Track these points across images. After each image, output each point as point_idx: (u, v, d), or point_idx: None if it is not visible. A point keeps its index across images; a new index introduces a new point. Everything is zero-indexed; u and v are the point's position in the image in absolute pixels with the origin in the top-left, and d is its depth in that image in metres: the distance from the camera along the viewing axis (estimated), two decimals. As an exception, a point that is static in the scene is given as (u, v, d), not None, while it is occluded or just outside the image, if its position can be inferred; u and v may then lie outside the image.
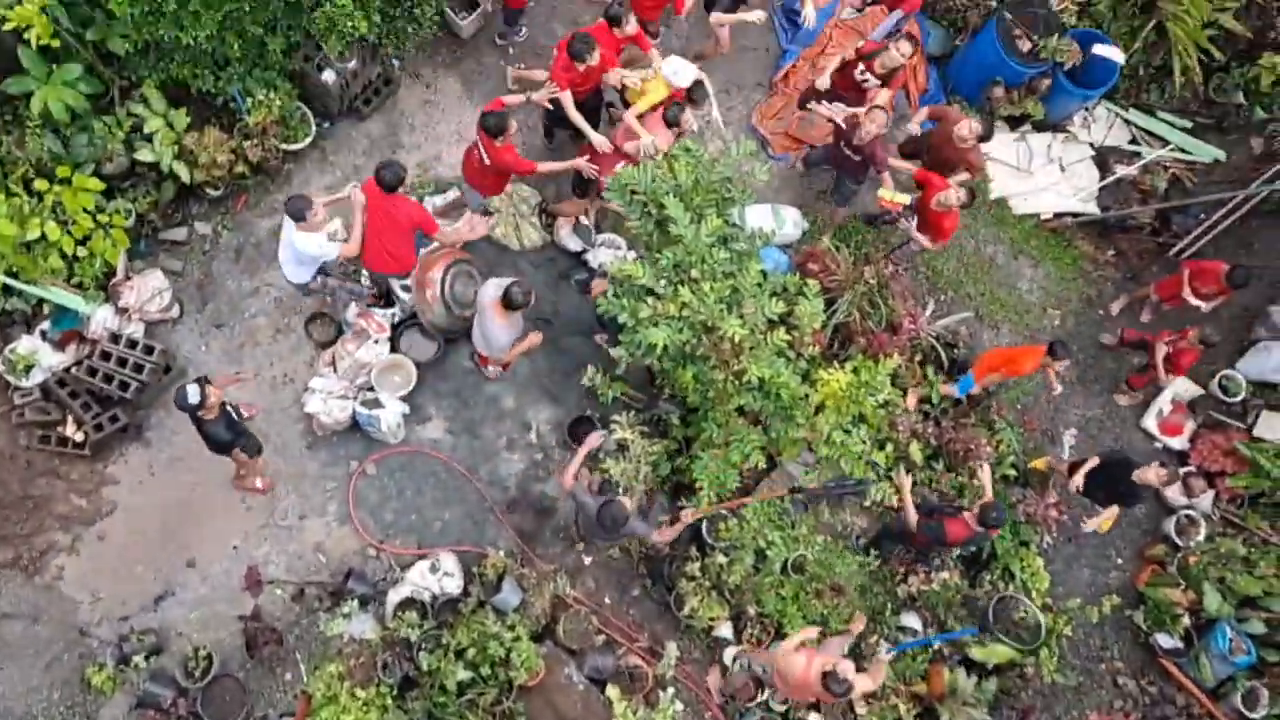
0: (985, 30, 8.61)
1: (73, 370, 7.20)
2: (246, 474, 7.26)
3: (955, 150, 7.51)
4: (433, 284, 7.32)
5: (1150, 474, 7.21)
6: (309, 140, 8.00)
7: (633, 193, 6.67)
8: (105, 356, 7.16)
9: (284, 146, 7.81)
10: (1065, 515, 7.86)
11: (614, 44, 7.37)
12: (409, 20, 7.51)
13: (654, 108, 7.40)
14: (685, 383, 6.59)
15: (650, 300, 6.28)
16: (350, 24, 6.79)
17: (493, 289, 6.71)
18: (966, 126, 7.37)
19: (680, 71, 7.43)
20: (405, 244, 6.98)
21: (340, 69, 7.71)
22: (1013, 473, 7.86)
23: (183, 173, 7.40)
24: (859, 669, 6.24)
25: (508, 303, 6.56)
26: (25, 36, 6.32)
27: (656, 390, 7.52)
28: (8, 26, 6.19)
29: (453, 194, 8.06)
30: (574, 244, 8.12)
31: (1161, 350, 8.01)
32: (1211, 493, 8.35)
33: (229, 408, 6.47)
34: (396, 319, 7.71)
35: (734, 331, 6.03)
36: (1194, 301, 8.10)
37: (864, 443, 6.46)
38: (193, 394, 6.00)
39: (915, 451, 7.58)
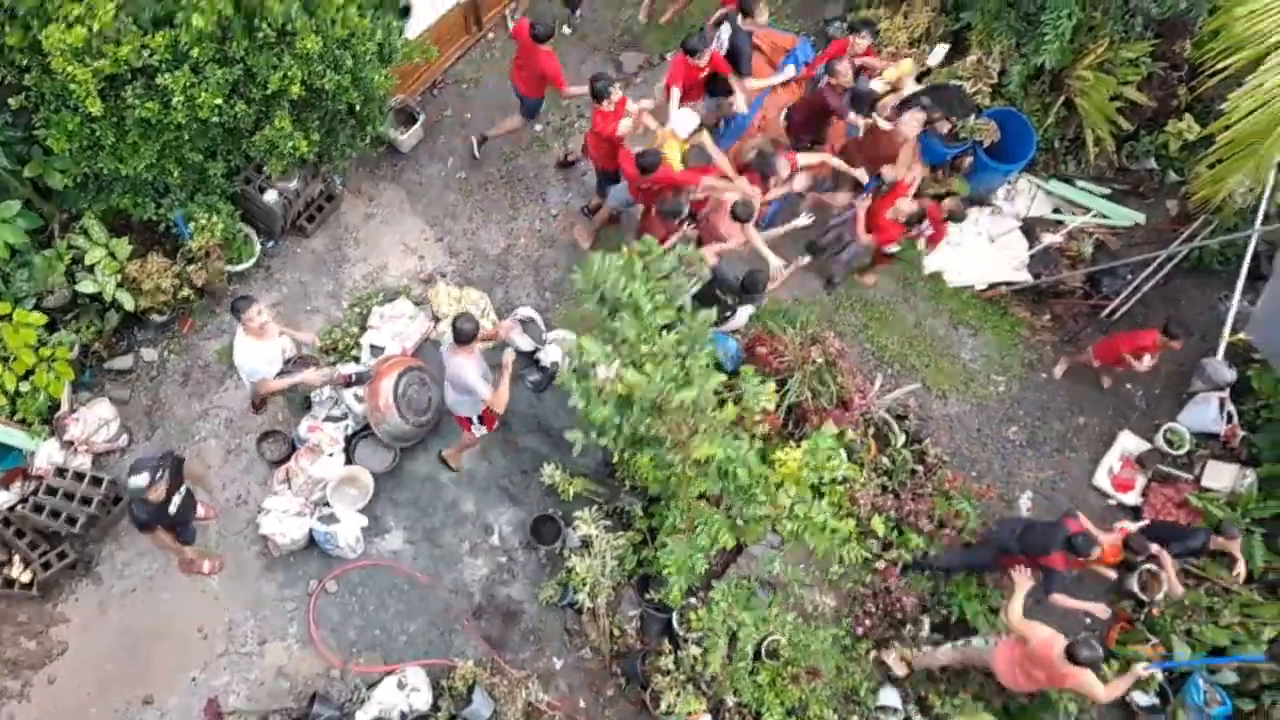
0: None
1: (18, 509, 7.02)
2: (193, 560, 7.13)
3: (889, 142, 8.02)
4: (385, 392, 7.31)
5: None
6: (253, 260, 8.05)
7: (596, 279, 6.75)
8: (51, 492, 7.00)
9: (228, 268, 7.85)
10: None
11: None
12: (349, 140, 7.68)
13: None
14: (644, 470, 6.59)
15: (602, 377, 6.30)
16: (290, 145, 6.92)
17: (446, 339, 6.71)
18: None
19: (684, 121, 7.70)
20: None
21: (282, 189, 7.82)
22: (972, 540, 7.91)
23: (127, 301, 7.39)
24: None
25: (460, 337, 6.51)
26: (-38, 176, 6.35)
27: (618, 483, 7.51)
28: (-56, 166, 6.23)
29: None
30: (525, 343, 8.16)
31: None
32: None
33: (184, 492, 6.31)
34: (349, 431, 7.67)
35: (684, 399, 6.04)
36: (1137, 365, 8.33)
37: (825, 513, 6.49)
38: (137, 482, 5.77)
39: (878, 524, 7.58)
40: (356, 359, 7.92)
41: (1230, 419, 8.85)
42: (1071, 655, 6.32)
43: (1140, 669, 6.93)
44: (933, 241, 8.33)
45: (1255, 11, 7.01)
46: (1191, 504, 8.53)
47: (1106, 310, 9.23)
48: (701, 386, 6.34)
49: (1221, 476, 8.74)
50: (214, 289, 7.80)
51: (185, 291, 7.58)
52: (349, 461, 7.56)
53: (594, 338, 6.47)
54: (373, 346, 7.87)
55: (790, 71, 8.87)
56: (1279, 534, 8.47)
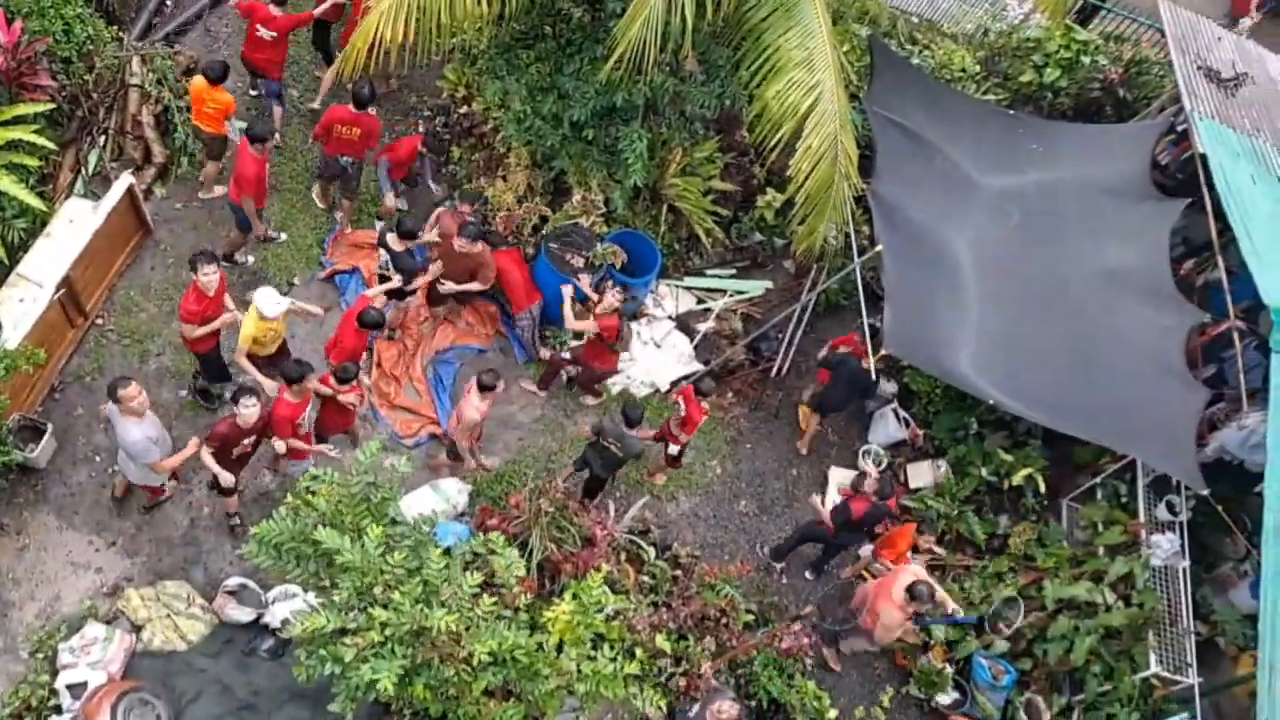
0: (539, 263, 9.48)
1: None
2: None
3: (462, 259, 8.70)
4: (104, 732, 6.40)
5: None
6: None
7: (277, 547, 6.34)
8: None
9: None
10: (813, 637, 8.29)
11: None
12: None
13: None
14: (421, 695, 6.21)
15: (349, 640, 5.92)
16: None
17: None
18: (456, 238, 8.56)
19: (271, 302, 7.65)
20: None
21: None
22: (749, 618, 8.15)
23: None
24: None
25: (114, 397, 6.69)
26: None
27: (398, 718, 6.99)
28: None
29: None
30: (244, 615, 7.53)
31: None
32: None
33: None
34: (77, 794, 6.60)
35: (444, 623, 5.83)
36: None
37: (613, 660, 6.44)
38: None
39: (663, 642, 7.62)
40: (58, 708, 6.89)
41: (908, 423, 9.91)
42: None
43: None
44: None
45: (780, 90, 8.16)
46: (909, 506, 9.39)
47: (774, 370, 10.10)
48: (460, 602, 6.14)
49: (922, 474, 9.72)
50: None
51: None
52: (86, 828, 6.48)
53: (315, 603, 6.09)
54: (70, 687, 6.88)
55: None
56: (984, 504, 9.52)
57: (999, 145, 10.10)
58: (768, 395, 10.05)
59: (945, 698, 8.46)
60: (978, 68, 11.71)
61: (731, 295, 10.46)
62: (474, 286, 9.04)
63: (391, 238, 8.74)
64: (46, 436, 7.82)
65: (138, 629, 7.35)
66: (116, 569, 7.71)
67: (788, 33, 8.17)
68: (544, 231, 9.66)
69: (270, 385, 7.64)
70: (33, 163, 8.34)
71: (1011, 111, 10.99)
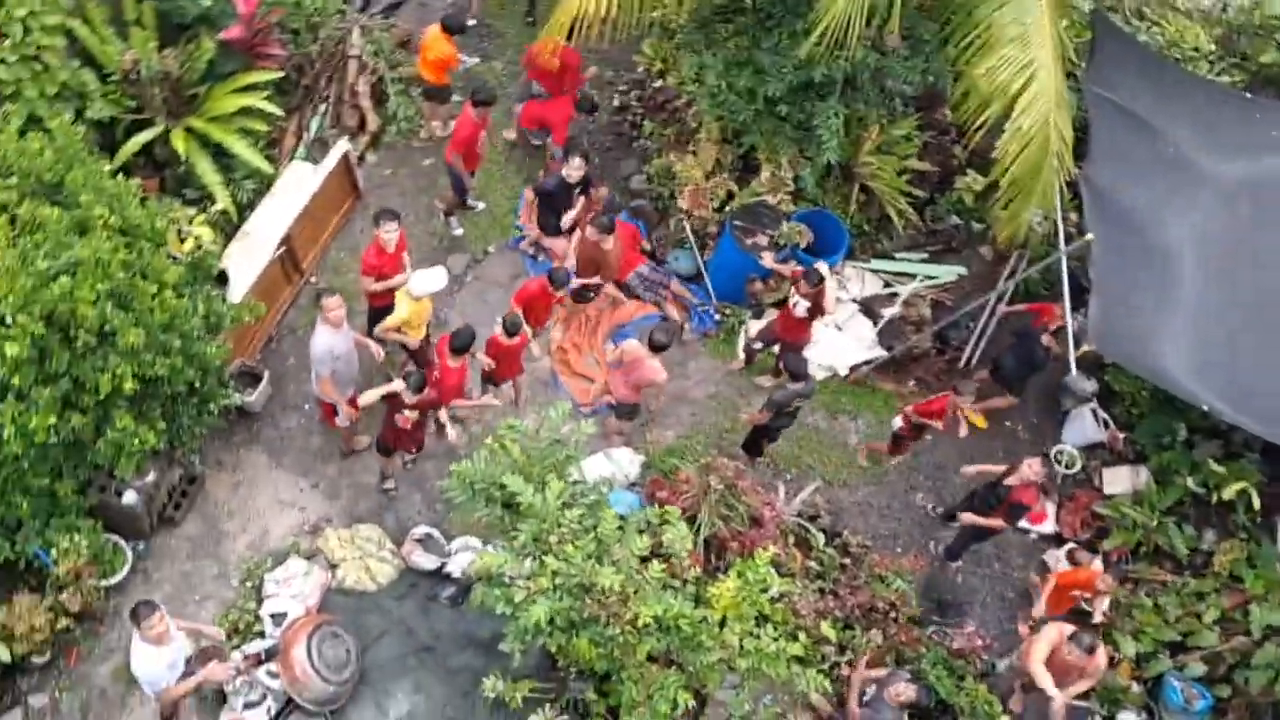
0: (723, 239, 9.47)
1: None
2: None
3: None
4: (299, 660, 6.92)
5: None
6: (127, 567, 7.65)
7: (472, 485, 6.70)
8: None
9: (103, 584, 7.42)
10: (989, 639, 7.98)
11: None
12: (194, 419, 7.50)
13: None
14: (585, 652, 6.40)
15: (522, 582, 6.19)
16: (137, 442, 6.71)
17: None
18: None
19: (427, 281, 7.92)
20: None
21: (139, 487, 7.54)
22: (917, 612, 7.93)
23: (2, 653, 6.86)
24: None
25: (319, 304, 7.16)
26: None
27: (563, 673, 7.24)
28: None
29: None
30: (429, 562, 7.96)
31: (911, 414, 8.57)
32: (1098, 558, 8.69)
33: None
34: (273, 711, 7.19)
35: (611, 581, 5.98)
36: (938, 425, 8.56)
37: (776, 640, 6.44)
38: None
39: (827, 629, 7.56)
40: (261, 634, 7.52)
41: (1107, 425, 9.31)
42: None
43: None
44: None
45: (991, 67, 7.78)
46: (1102, 514, 8.84)
47: (962, 360, 9.70)
48: (627, 551, 6.30)
49: (1119, 480, 9.12)
50: (92, 610, 7.33)
51: (63, 622, 7.10)
52: (281, 744, 7.07)
53: (496, 549, 6.39)
54: (273, 616, 7.50)
55: None
56: (1188, 517, 8.85)
57: (1233, 131, 9.24)
58: (962, 384, 9.65)
59: (1130, 717, 7.96)
60: (1213, 46, 10.77)
61: (921, 280, 10.09)
62: (595, 281, 9.04)
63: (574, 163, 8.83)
64: (263, 383, 8.50)
65: (333, 567, 7.91)
66: (318, 510, 8.31)
67: (1002, 7, 7.78)
68: (729, 208, 9.63)
69: (397, 385, 7.65)
70: (262, 128, 9.02)
71: (1248, 95, 10.05)
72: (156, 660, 6.30)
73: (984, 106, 7.91)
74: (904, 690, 6.84)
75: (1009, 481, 7.84)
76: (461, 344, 7.66)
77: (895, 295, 9.97)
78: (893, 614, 7.74)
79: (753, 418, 8.52)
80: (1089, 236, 8.01)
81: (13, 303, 6.00)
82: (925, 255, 10.29)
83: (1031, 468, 7.68)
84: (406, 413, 7.54)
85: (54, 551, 7.03)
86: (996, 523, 7.94)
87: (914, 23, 8.80)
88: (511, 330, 7.91)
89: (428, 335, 8.55)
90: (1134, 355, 8.16)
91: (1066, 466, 9.12)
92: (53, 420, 6.23)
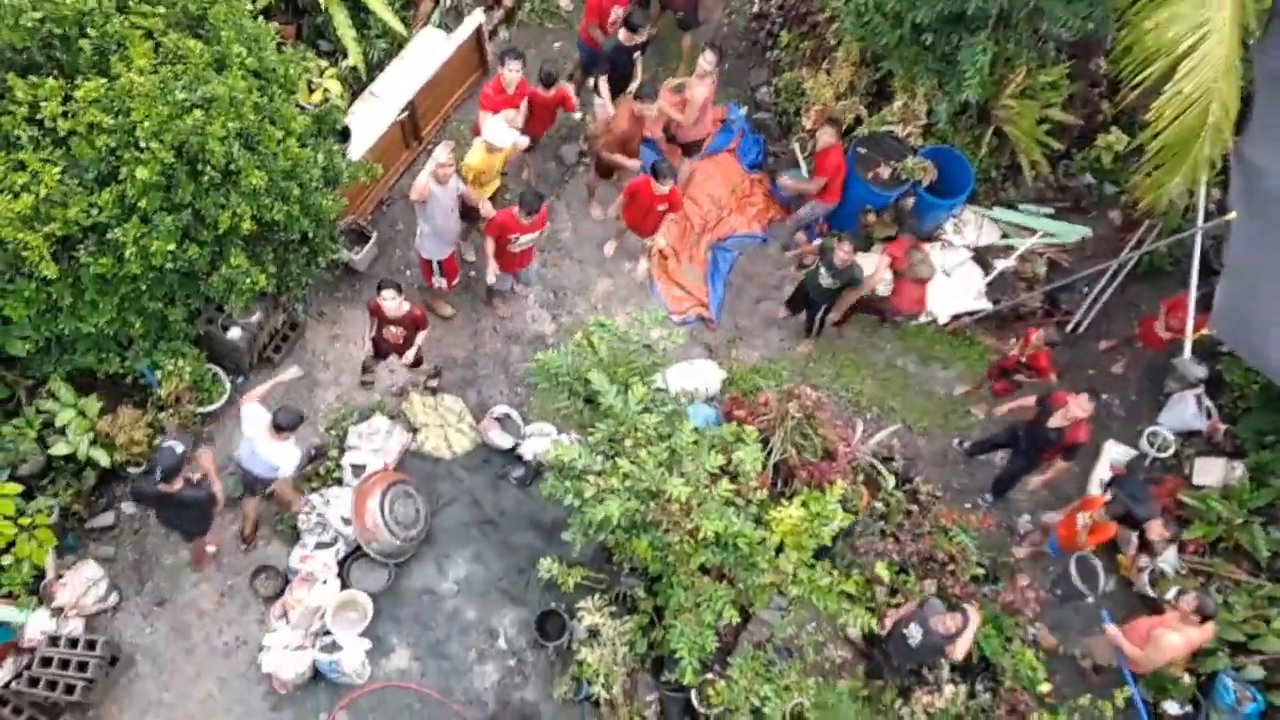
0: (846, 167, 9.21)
1: (12, 685, 6.84)
2: (199, 547, 7.48)
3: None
4: (372, 511, 7.26)
5: (1154, 531, 7.69)
6: (225, 398, 8.04)
7: (555, 375, 6.84)
8: (45, 662, 6.85)
9: (200, 410, 7.83)
10: (1042, 593, 7.90)
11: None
12: (303, 268, 7.75)
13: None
14: (642, 553, 6.57)
15: (592, 478, 6.34)
16: (248, 281, 6.97)
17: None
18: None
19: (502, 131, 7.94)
20: None
21: (245, 324, 7.86)
22: (980, 571, 7.87)
23: (102, 458, 7.33)
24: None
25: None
26: (-78, 358, 6.32)
27: (616, 567, 7.45)
28: (-97, 350, 6.20)
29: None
30: (504, 441, 8.18)
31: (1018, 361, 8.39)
32: (1174, 547, 8.46)
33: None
34: (341, 555, 7.58)
35: (678, 492, 6.09)
36: (1166, 335, 8.53)
37: (830, 574, 6.53)
38: (175, 451, 6.41)
39: (882, 570, 7.58)
40: (339, 481, 7.87)
41: (1210, 414, 8.94)
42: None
43: None
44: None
45: (1162, 24, 7.29)
46: (1187, 502, 8.57)
47: (1070, 325, 9.38)
48: (698, 465, 6.38)
49: (1211, 472, 8.79)
50: (188, 432, 7.76)
51: (159, 440, 7.54)
52: (344, 586, 7.46)
53: (570, 440, 6.53)
54: (353, 466, 7.83)
55: None
56: (1277, 520, 8.51)
57: None
58: (1056, 351, 9.36)
59: (1175, 709, 7.85)
60: None
61: (1042, 236, 9.71)
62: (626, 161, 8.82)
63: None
64: (370, 243, 8.70)
65: (414, 430, 8.19)
66: (406, 373, 8.56)
67: (1184, -41, 7.23)
68: (856, 133, 9.34)
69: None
70: (402, -13, 9.02)
71: None
72: (282, 454, 6.85)
73: (1145, 63, 7.43)
74: (950, 620, 6.79)
75: (1056, 423, 7.69)
76: (531, 207, 7.69)
77: (1012, 248, 9.62)
78: (950, 566, 7.71)
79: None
80: (1230, 215, 7.57)
81: (148, 128, 6.20)
82: (1051, 211, 9.86)
83: (1079, 404, 7.52)
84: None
85: (159, 372, 7.42)
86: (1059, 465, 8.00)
87: (1084, -37, 8.26)
88: (661, 174, 8.01)
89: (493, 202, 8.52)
90: (1253, 346, 7.76)
91: (1159, 449, 8.83)
92: (172, 247, 6.49)
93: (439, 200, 7.73)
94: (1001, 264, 9.49)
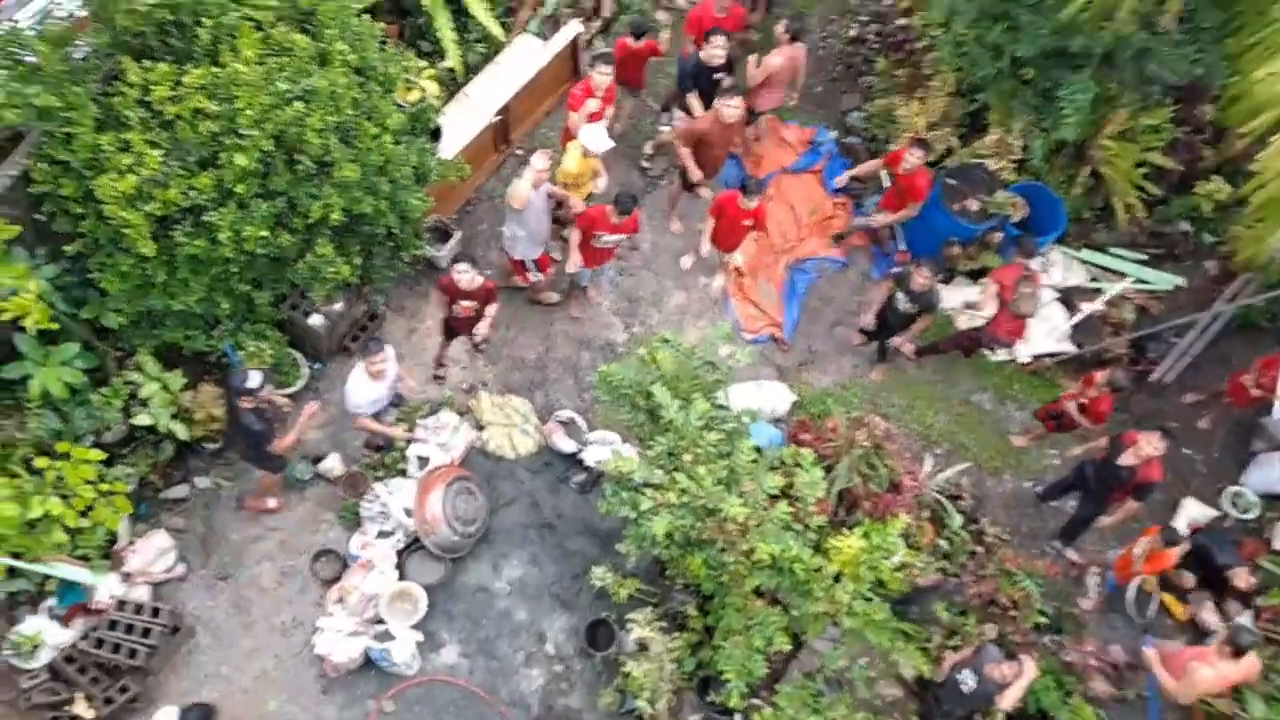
0: (931, 195, 9.08)
1: (79, 645, 7.08)
2: (260, 492, 7.80)
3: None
4: (433, 505, 7.36)
5: (1240, 579, 7.46)
6: (302, 383, 8.22)
7: (620, 389, 6.85)
8: (112, 625, 7.07)
9: (279, 392, 8.01)
10: (1107, 662, 7.66)
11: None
12: (387, 262, 7.90)
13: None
14: (696, 570, 6.54)
15: (649, 491, 6.33)
16: (333, 271, 7.14)
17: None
18: None
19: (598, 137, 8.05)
20: None
21: (327, 313, 8.04)
22: (1043, 619, 7.66)
23: (180, 432, 7.56)
24: None
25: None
26: (22, 324, 6.58)
27: (669, 582, 7.43)
28: (5, 316, 6.42)
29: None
30: (567, 446, 8.22)
31: (1072, 405, 8.11)
32: (1249, 612, 8.13)
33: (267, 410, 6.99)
34: (400, 545, 7.69)
35: (735, 512, 6.05)
36: (1256, 393, 8.26)
37: (886, 611, 6.42)
38: (253, 379, 6.60)
39: (942, 611, 7.43)
40: (403, 472, 8.00)
41: (1298, 477, 8.59)
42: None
43: None
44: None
45: (1274, 74, 7.05)
46: (1267, 567, 8.23)
47: (1155, 374, 9.09)
48: (757, 485, 6.34)
49: (1294, 539, 8.44)
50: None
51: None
52: (401, 577, 7.57)
53: (631, 451, 6.54)
54: (419, 458, 7.95)
55: None
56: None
57: None
58: (1138, 399, 9.10)
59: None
60: None
61: (1133, 282, 9.44)
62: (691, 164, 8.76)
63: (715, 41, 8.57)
64: (453, 240, 8.84)
65: (480, 428, 8.29)
66: (477, 371, 8.67)
67: (1303, 11, 7.00)
68: (944, 164, 9.21)
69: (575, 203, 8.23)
70: (503, -6, 9.17)
71: None
72: (365, 390, 7.21)
73: (1253, 113, 7.20)
74: (1008, 668, 6.63)
75: (1127, 461, 7.46)
76: (625, 208, 7.84)
77: (1100, 291, 9.37)
78: (1012, 612, 7.52)
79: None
80: (1336, 276, 7.29)
81: (250, 116, 6.40)
82: (1143, 257, 9.59)
83: (1150, 441, 7.30)
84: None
85: (242, 353, 7.63)
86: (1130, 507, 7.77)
87: (1196, 6, 8.02)
88: (749, 190, 8.05)
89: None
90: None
91: (1241, 510, 8.51)
92: (265, 233, 6.68)
93: (534, 205, 7.88)
94: (1088, 307, 9.25)
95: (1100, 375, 7.96)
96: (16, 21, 6.68)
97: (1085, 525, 8.24)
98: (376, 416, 7.63)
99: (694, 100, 8.85)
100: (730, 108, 8.25)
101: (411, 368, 8.43)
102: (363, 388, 7.21)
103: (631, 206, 7.88)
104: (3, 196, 6.68)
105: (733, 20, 9.08)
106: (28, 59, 6.42)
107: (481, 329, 7.88)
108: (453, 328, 8.09)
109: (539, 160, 7.76)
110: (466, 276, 7.42)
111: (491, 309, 7.83)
